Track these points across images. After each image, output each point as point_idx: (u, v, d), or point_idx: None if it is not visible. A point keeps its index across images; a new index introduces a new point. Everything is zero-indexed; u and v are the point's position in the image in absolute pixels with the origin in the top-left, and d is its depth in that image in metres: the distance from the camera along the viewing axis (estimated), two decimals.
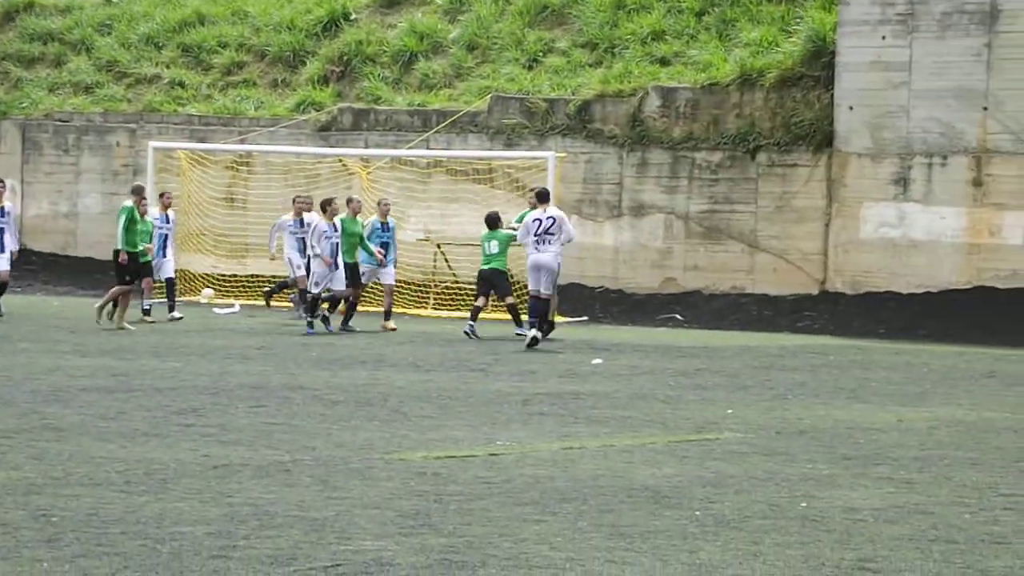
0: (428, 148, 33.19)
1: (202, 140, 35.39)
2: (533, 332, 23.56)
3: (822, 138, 30.33)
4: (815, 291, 30.33)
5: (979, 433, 15.06)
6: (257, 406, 15.39)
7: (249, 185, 34.07)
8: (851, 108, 30.02)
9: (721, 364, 22.05)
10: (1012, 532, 9.84)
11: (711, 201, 31.29)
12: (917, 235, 29.54)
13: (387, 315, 26.93)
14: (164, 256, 27.80)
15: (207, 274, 34.12)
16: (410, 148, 33.12)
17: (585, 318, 31.06)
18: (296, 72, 36.89)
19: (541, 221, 24.11)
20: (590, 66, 34.10)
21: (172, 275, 28.17)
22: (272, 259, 29.37)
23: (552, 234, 24.01)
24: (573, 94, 32.99)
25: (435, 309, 30.26)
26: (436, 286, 31.28)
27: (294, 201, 28.84)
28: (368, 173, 33.52)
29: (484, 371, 20.04)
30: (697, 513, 10.17)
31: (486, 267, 25.79)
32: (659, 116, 31.83)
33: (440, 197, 31.88)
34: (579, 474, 11.70)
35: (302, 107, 35.50)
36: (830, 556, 8.91)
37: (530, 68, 34.71)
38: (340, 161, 33.80)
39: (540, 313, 23.98)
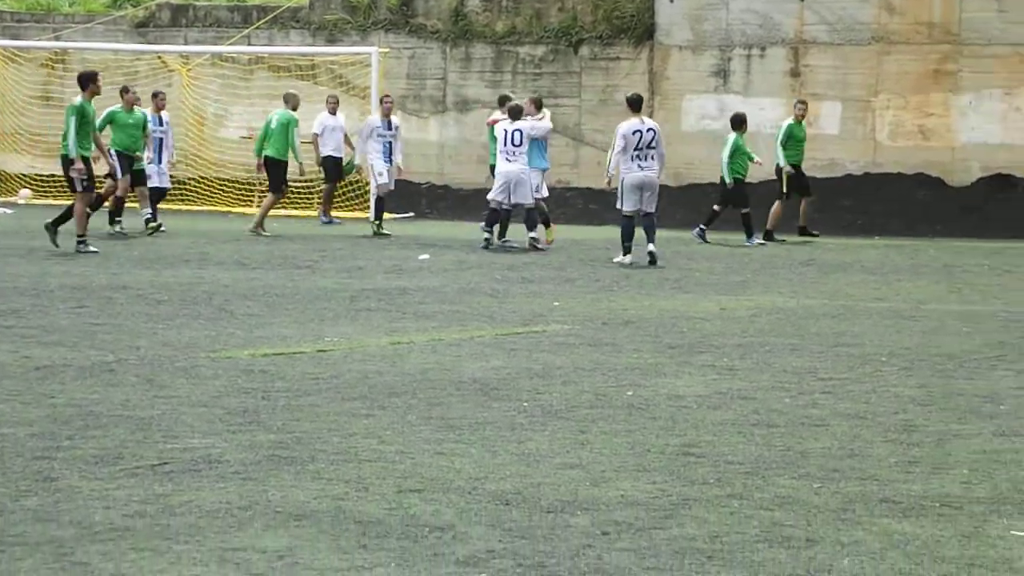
0: (249, 44, 32.74)
1: (15, 37, 34.52)
2: (626, 257, 21.33)
3: (643, 31, 30.45)
4: None
5: (798, 320, 15.36)
6: (79, 307, 15.18)
7: (65, 83, 33.31)
8: (671, 1, 30.15)
9: (547, 258, 22.18)
10: (830, 415, 10.08)
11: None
12: None
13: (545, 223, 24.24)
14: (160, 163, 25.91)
15: (24, 174, 33.44)
16: (231, 44, 32.65)
17: (411, 214, 31.04)
18: None
19: (641, 133, 21.36)
20: None
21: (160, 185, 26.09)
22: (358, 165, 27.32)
23: (653, 148, 21.43)
24: None
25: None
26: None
27: (382, 101, 26.36)
28: (188, 71, 33.00)
29: (311, 268, 19.96)
30: (525, 404, 10.27)
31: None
32: (482, 10, 31.70)
33: (263, 94, 31.51)
34: (408, 368, 11.74)
35: (118, 3, 34.76)
36: (655, 442, 9.06)
37: None
38: (159, 58, 33.22)
39: (629, 233, 21.52)
